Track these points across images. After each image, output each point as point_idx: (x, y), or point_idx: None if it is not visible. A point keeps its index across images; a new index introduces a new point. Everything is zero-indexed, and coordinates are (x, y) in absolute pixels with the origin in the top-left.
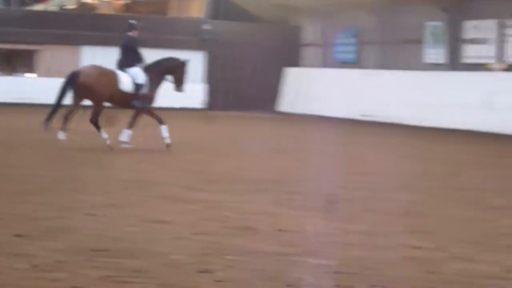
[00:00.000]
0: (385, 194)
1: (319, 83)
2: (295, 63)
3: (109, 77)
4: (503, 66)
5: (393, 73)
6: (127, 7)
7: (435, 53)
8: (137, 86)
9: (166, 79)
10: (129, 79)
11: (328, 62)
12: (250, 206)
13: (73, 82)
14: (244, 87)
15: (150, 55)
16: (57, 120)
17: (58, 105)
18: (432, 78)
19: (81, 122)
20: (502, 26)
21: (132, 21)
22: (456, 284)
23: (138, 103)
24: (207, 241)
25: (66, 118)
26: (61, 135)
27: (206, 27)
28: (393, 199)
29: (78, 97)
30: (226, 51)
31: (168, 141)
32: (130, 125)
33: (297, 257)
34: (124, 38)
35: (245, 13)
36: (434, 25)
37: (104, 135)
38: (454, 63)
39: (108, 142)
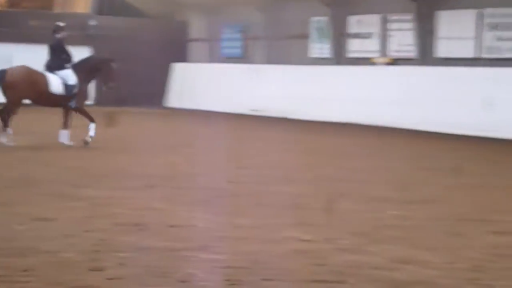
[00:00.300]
0: (272, 187)
1: (206, 78)
2: (182, 58)
3: (37, 78)
4: (386, 60)
5: (279, 68)
6: (11, 2)
7: (320, 48)
8: (69, 88)
9: (95, 77)
10: (59, 81)
11: (214, 57)
12: (139, 202)
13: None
14: (131, 83)
15: (37, 50)
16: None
17: None
18: (317, 72)
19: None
20: (385, 21)
21: (60, 23)
22: (345, 275)
23: (73, 103)
24: (97, 238)
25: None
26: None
27: (92, 22)
28: (280, 192)
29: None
30: (112, 46)
31: (89, 139)
32: (65, 125)
33: (189, 252)
34: (52, 39)
35: (131, 8)
36: (319, 20)
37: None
38: (339, 58)
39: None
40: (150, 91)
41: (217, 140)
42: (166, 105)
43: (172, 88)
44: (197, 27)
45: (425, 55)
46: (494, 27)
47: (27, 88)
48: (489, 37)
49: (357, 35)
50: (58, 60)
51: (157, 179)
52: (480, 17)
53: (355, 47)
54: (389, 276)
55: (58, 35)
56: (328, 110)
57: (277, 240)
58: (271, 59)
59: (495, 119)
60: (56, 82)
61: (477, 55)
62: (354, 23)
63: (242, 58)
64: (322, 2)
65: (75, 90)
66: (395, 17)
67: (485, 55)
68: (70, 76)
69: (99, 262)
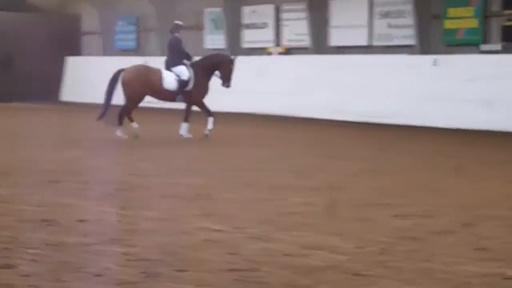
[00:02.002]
0: (176, 179)
1: (100, 71)
2: (77, 52)
3: (152, 75)
4: (281, 49)
5: None
6: None
7: (215, 39)
8: (182, 82)
9: (215, 75)
10: (173, 77)
11: (108, 50)
12: (43, 199)
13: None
14: (25, 78)
15: None
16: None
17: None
18: None
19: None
20: (278, 11)
21: (178, 22)
22: (258, 263)
23: (180, 98)
24: (5, 235)
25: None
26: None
27: None
28: (185, 184)
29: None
30: (2, 42)
31: (207, 132)
32: (185, 118)
33: (101, 246)
34: (170, 38)
35: (21, 2)
36: (213, 11)
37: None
38: (234, 48)
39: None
40: (45, 86)
41: (115, 134)
42: (61, 100)
43: (66, 82)
44: (90, 20)
45: (319, 44)
46: (385, 15)
47: (142, 86)
48: (380, 25)
49: (251, 26)
50: (175, 58)
51: (60, 174)
52: (371, 5)
53: (250, 37)
54: (301, 262)
55: (176, 34)
56: (223, 101)
57: (187, 231)
58: (165, 51)
59: (387, 105)
60: (170, 79)
61: (369, 43)
62: (249, 13)
63: (136, 50)
64: None
65: (190, 86)
66: (288, 6)
67: (377, 43)
68: (184, 71)
69: (10, 259)
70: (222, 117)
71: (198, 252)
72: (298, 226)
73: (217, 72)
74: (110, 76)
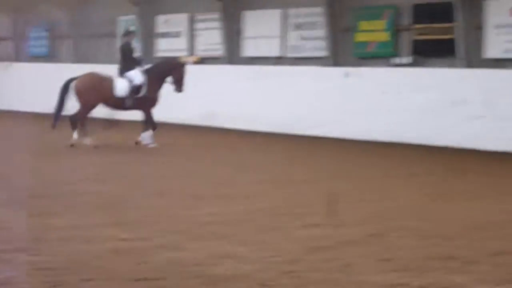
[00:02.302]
0: (84, 187)
1: (12, 77)
2: None
3: (103, 84)
4: (194, 58)
5: (86, 67)
6: None
7: None
8: (134, 88)
9: (167, 81)
10: (125, 84)
11: (20, 56)
12: None
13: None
14: None
15: None
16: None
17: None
18: None
19: None
20: (192, 21)
21: (130, 28)
22: (165, 272)
23: (130, 102)
24: None
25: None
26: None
27: None
28: (93, 192)
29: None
30: None
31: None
32: (145, 127)
33: (6, 254)
34: (123, 44)
35: None
36: (126, 19)
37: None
38: (148, 57)
39: None
40: None
41: (25, 141)
42: None
43: None
44: (2, 25)
45: (232, 54)
46: (298, 26)
47: (95, 94)
48: (293, 36)
49: (165, 35)
50: (127, 63)
51: None
52: (284, 17)
53: (164, 46)
54: (209, 271)
55: (128, 40)
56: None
57: (95, 240)
58: (79, 58)
59: (299, 116)
60: (121, 86)
61: (282, 54)
62: (163, 22)
63: (49, 57)
64: (130, 1)
65: (142, 92)
66: (202, 16)
67: (290, 54)
68: (137, 76)
69: None
70: (136, 127)
71: (105, 261)
72: (208, 236)
73: (168, 78)
74: (22, 82)
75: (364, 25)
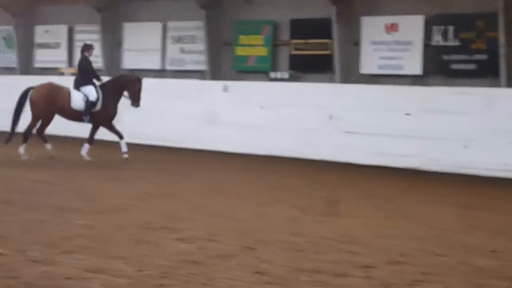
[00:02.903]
0: None
1: None
2: None
3: (59, 94)
4: (73, 70)
5: None
6: None
7: (6, 58)
8: (89, 104)
9: (124, 96)
10: (81, 97)
11: None
12: None
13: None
14: None
15: None
16: None
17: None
18: (2, 81)
19: None
20: (71, 32)
21: (88, 42)
22: (38, 287)
23: (87, 119)
24: None
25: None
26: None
27: None
28: None
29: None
30: None
31: (125, 155)
32: (89, 140)
33: None
34: (80, 58)
35: None
36: (4, 29)
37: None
38: (26, 67)
39: None
40: None
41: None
42: None
43: None
44: None
45: (113, 66)
46: (178, 40)
47: (50, 105)
48: (173, 49)
49: (44, 45)
50: (84, 77)
51: None
52: (164, 30)
53: (42, 57)
54: (82, 285)
55: (86, 54)
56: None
57: None
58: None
59: (178, 129)
60: (78, 98)
61: (162, 67)
62: (41, 32)
63: None
64: (7, 11)
65: (97, 107)
66: (82, 27)
67: (169, 67)
68: (92, 92)
69: None
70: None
71: None
72: (81, 249)
73: (125, 93)
74: None
75: (243, 39)
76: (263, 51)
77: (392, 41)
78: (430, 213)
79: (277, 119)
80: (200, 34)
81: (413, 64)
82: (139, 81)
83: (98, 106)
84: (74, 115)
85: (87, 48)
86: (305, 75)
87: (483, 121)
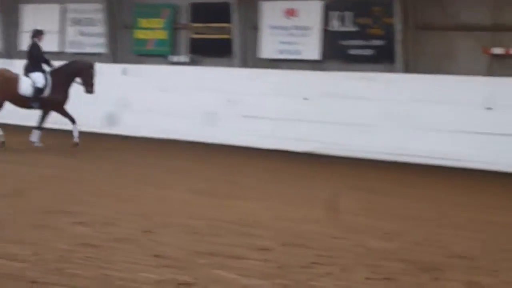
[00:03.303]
0: None
1: None
2: None
3: (9, 80)
4: None
5: None
6: None
7: None
8: (37, 90)
9: (76, 81)
10: (29, 83)
11: None
12: None
13: None
14: None
15: None
16: None
17: None
18: None
19: None
20: None
21: (37, 28)
22: None
23: (36, 104)
24: None
25: None
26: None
27: None
28: None
29: None
30: None
31: (76, 140)
32: (39, 126)
33: None
34: (30, 43)
35: None
36: None
37: None
38: None
39: None
40: None
41: None
42: None
43: None
44: None
45: (10, 48)
46: (77, 22)
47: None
48: (72, 32)
49: None
50: (33, 64)
51: None
52: (63, 12)
53: None
54: None
55: (36, 40)
56: None
57: None
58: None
59: (83, 114)
60: (25, 85)
61: (61, 49)
62: None
63: None
64: None
65: (45, 93)
66: None
67: (69, 50)
68: (39, 78)
69: None
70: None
71: None
72: None
73: (78, 79)
74: None
75: (143, 22)
76: (162, 35)
77: (291, 26)
78: (329, 196)
79: (176, 102)
80: (100, 16)
81: (312, 49)
82: (91, 68)
83: (47, 92)
84: (23, 102)
85: (37, 34)
86: (205, 59)
87: (382, 106)
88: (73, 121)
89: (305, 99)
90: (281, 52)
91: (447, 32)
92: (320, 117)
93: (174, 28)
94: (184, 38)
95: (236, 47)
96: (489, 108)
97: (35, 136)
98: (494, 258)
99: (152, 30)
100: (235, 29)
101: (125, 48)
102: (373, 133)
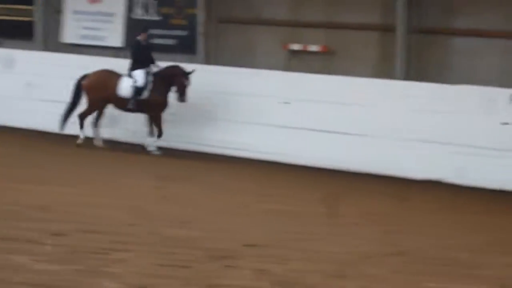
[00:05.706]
0: None
1: None
2: None
3: (110, 81)
4: None
5: None
6: None
7: None
8: (136, 89)
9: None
10: (129, 83)
11: None
12: None
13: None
14: None
15: None
16: None
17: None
18: None
19: None
20: None
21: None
22: None
23: (131, 104)
24: None
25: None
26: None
27: None
28: None
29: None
30: None
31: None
32: (150, 133)
33: None
34: (133, 42)
35: None
36: None
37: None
38: None
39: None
40: None
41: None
42: None
43: None
44: None
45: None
46: None
47: (100, 92)
48: None
49: None
50: (138, 61)
51: None
52: None
53: None
54: None
55: (139, 37)
56: None
57: None
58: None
59: None
60: (125, 85)
61: None
62: None
63: None
64: None
65: (143, 94)
66: None
67: None
68: (139, 77)
69: None
70: None
71: None
72: None
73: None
74: None
75: None
76: None
77: (96, 12)
78: (128, 184)
79: None
80: None
81: (115, 36)
82: (186, 76)
83: (146, 93)
84: (122, 103)
85: (142, 32)
86: (6, 41)
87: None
88: (160, 135)
89: None
90: (84, 37)
91: (248, 26)
92: None
93: None
94: None
95: (38, 30)
96: (286, 103)
97: (151, 146)
98: (285, 247)
99: None
100: (37, 12)
101: None
102: (175, 122)
